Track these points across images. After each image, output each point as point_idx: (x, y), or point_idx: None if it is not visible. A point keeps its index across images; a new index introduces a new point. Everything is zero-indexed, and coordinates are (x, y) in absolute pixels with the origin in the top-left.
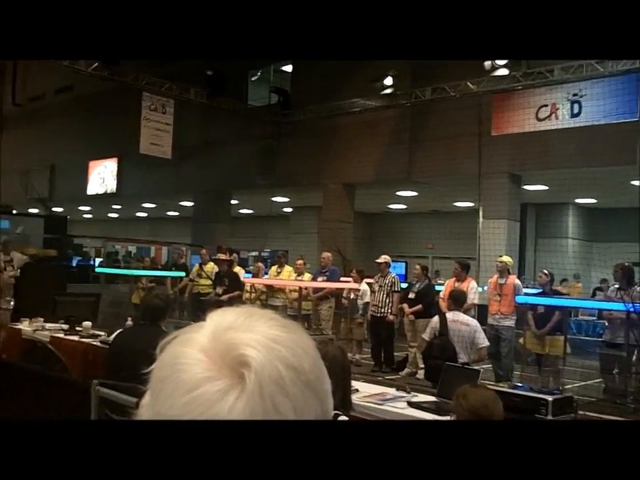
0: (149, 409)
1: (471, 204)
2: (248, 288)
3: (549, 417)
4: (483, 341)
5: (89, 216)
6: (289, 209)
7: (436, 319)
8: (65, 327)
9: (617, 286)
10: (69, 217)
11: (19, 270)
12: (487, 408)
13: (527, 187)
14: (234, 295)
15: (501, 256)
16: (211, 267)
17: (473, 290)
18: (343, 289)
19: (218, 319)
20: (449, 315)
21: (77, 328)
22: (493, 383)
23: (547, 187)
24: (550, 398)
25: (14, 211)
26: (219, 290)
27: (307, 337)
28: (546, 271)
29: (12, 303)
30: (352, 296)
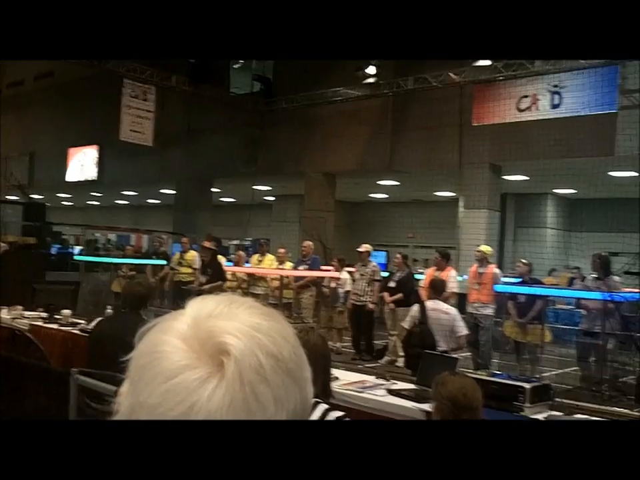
0: (128, 397)
1: (451, 194)
2: (229, 276)
3: (527, 404)
4: (462, 330)
5: (69, 203)
6: (271, 198)
7: (416, 307)
8: (44, 315)
9: (594, 275)
10: (48, 204)
11: None
12: (465, 396)
13: (507, 177)
14: (215, 285)
15: (479, 245)
16: (192, 256)
17: (452, 279)
18: (323, 278)
19: (198, 306)
20: (429, 304)
21: (56, 316)
22: (471, 371)
23: (526, 177)
24: (527, 385)
25: None
26: (202, 279)
27: (287, 325)
28: (524, 260)
29: None
30: (333, 285)
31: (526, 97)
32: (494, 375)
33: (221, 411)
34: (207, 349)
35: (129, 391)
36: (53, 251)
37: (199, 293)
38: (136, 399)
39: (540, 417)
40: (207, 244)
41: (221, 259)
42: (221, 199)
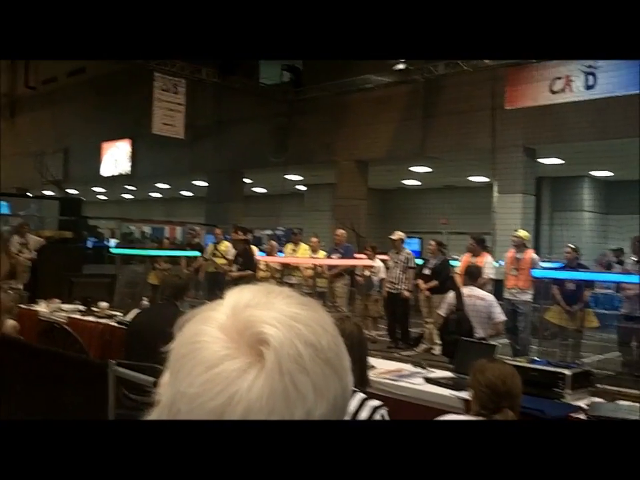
0: (168, 387)
1: (485, 179)
2: (262, 267)
3: (568, 391)
4: (500, 316)
5: (104, 197)
6: (303, 187)
7: (452, 294)
8: (82, 307)
9: (634, 258)
10: (83, 198)
11: (35, 252)
12: (504, 383)
13: (541, 161)
14: (246, 274)
15: (516, 230)
16: (225, 246)
17: (488, 265)
18: (356, 266)
19: (236, 296)
20: (465, 290)
21: (94, 309)
22: (510, 358)
23: (562, 160)
24: (568, 372)
25: (29, 194)
26: (234, 269)
27: (325, 314)
28: (572, 245)
29: (20, 286)
30: (367, 273)
31: (559, 78)
32: (533, 362)
33: (260, 400)
34: (246, 339)
35: (169, 382)
36: (89, 244)
37: (232, 282)
38: (176, 389)
39: (581, 403)
40: (236, 235)
41: (254, 249)
42: (253, 189)
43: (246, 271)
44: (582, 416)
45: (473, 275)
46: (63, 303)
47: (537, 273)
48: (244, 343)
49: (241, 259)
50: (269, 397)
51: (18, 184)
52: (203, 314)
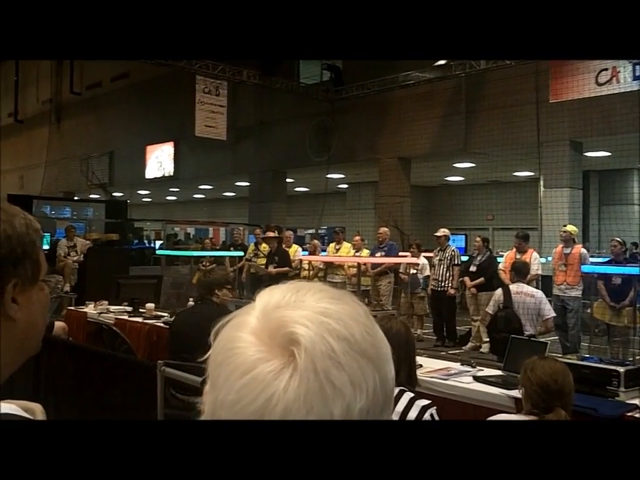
0: (209, 396)
1: (530, 173)
2: (305, 266)
3: (622, 389)
4: (549, 312)
5: (148, 199)
6: (345, 186)
7: (499, 291)
8: (129, 309)
9: None
10: (129, 201)
11: (82, 255)
12: (556, 381)
13: (588, 154)
14: (282, 271)
15: (565, 225)
16: (266, 246)
17: (535, 261)
18: (400, 264)
19: (266, 298)
20: (513, 287)
21: (141, 310)
22: (560, 355)
23: (609, 153)
24: (621, 369)
25: (76, 198)
26: (270, 267)
27: (357, 305)
28: (619, 239)
29: (67, 287)
30: (412, 271)
31: (605, 70)
32: (584, 359)
33: (298, 400)
34: (278, 341)
35: (209, 390)
36: (135, 246)
37: (270, 280)
38: (215, 396)
39: (636, 401)
40: (270, 234)
41: (296, 247)
42: (295, 189)
43: (284, 267)
44: (638, 414)
45: (520, 271)
46: (110, 304)
47: (586, 268)
48: (276, 344)
49: (277, 257)
50: (305, 396)
51: (65, 188)
52: (236, 319)
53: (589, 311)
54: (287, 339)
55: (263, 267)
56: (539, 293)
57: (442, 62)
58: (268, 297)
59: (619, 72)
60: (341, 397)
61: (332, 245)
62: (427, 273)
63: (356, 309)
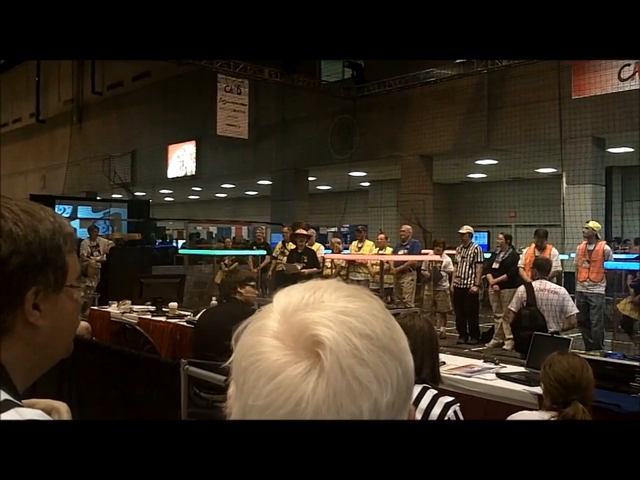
0: (236, 401)
1: (553, 170)
2: (328, 264)
3: None
4: (573, 309)
5: (170, 199)
6: (367, 183)
7: (522, 288)
8: (152, 308)
9: None
10: (151, 200)
11: (105, 255)
12: (574, 377)
13: (611, 150)
14: (313, 271)
15: (588, 222)
16: (293, 245)
17: (555, 257)
18: (422, 262)
19: (284, 299)
20: (536, 284)
21: (164, 309)
22: (583, 352)
23: (632, 149)
24: None
25: (98, 197)
26: (299, 266)
27: (374, 300)
28: None
29: (93, 283)
30: (436, 266)
31: (628, 65)
32: (607, 355)
33: (327, 400)
34: (302, 344)
35: (235, 395)
36: (158, 246)
37: (297, 278)
38: (244, 402)
39: None
40: (302, 231)
41: (318, 245)
42: (317, 187)
43: (313, 267)
44: None
45: (543, 267)
46: (133, 303)
47: (609, 264)
48: (300, 347)
49: (305, 256)
50: (334, 396)
51: (87, 188)
52: (256, 323)
53: (611, 307)
54: (311, 341)
55: (295, 265)
56: (562, 290)
57: (463, 59)
58: (286, 298)
59: None
60: (368, 393)
61: (354, 243)
62: (451, 269)
63: (373, 304)
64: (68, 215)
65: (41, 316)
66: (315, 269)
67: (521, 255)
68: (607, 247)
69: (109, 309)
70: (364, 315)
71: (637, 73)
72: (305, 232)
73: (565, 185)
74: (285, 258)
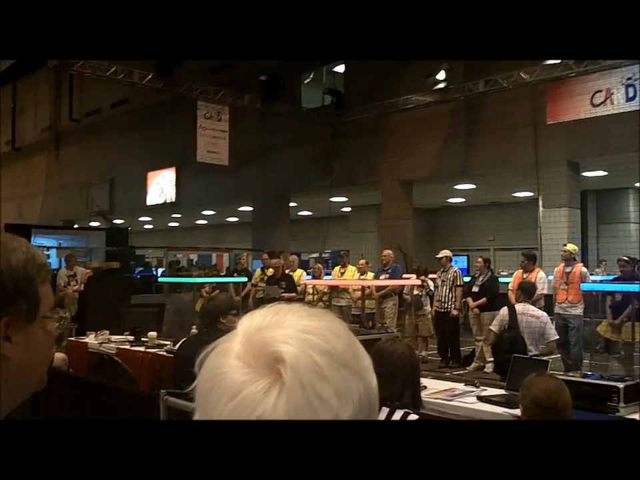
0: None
1: (530, 194)
2: (310, 290)
3: (621, 405)
4: (553, 335)
5: (150, 226)
6: (348, 209)
7: (504, 310)
8: (131, 338)
9: None
10: (130, 228)
11: (82, 284)
12: (550, 398)
13: (585, 174)
14: (292, 296)
15: (565, 244)
16: (272, 272)
17: (541, 280)
18: (404, 286)
19: (247, 322)
20: (518, 307)
21: (143, 339)
22: (562, 373)
23: (606, 173)
24: (621, 385)
25: (76, 226)
26: (279, 292)
27: (337, 320)
28: (627, 257)
29: (67, 314)
30: (415, 292)
31: (599, 91)
32: (585, 376)
33: (288, 416)
34: (263, 361)
35: (200, 418)
36: (137, 274)
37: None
38: None
39: (636, 416)
40: (276, 261)
41: (300, 272)
42: (299, 213)
43: (291, 292)
44: None
45: (527, 291)
46: (111, 333)
47: (585, 286)
48: (261, 365)
49: (284, 282)
50: (294, 411)
51: (65, 216)
52: (219, 347)
53: (588, 328)
54: (272, 358)
55: (276, 287)
56: (543, 314)
57: (441, 85)
58: (249, 321)
59: (613, 93)
60: (329, 408)
61: (337, 268)
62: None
63: (335, 324)
64: (53, 245)
65: (12, 347)
66: (293, 294)
67: (501, 279)
68: (584, 269)
69: (86, 340)
70: (325, 333)
71: (608, 99)
72: (277, 261)
73: (541, 208)
74: (265, 284)
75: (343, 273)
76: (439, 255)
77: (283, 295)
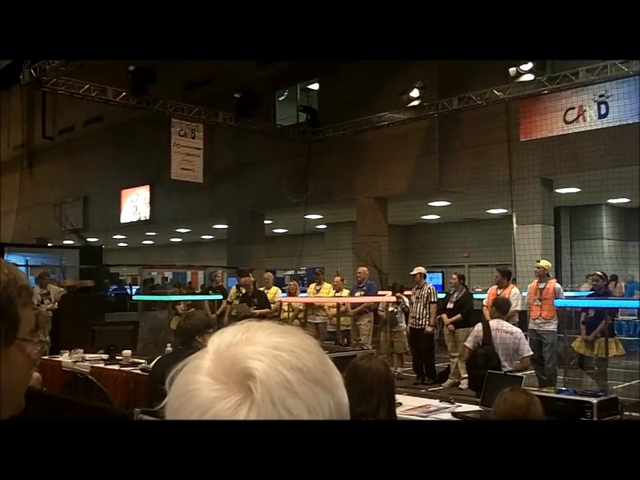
0: None
1: (504, 210)
2: (285, 307)
3: (595, 419)
4: (527, 351)
5: (124, 244)
6: (323, 226)
7: (479, 327)
8: (105, 356)
9: None
10: (104, 246)
11: (56, 303)
12: (519, 413)
13: (559, 191)
14: (265, 312)
15: (538, 261)
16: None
17: (515, 296)
18: (379, 303)
19: (217, 340)
20: (493, 323)
21: (117, 357)
22: (536, 389)
23: (579, 189)
24: (594, 400)
25: (49, 244)
26: (251, 308)
27: (307, 338)
28: (600, 273)
29: (47, 337)
30: (391, 308)
31: (572, 108)
32: (560, 392)
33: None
34: (233, 378)
35: None
36: (111, 292)
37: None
38: None
39: None
40: (245, 280)
41: (275, 289)
42: (274, 230)
43: (264, 308)
44: None
45: (501, 307)
46: (86, 352)
47: (558, 302)
48: (232, 381)
49: (255, 299)
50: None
51: (38, 234)
52: (190, 364)
53: (562, 343)
54: (242, 375)
55: (246, 305)
56: (518, 330)
57: (415, 103)
58: (219, 338)
59: (585, 110)
60: None
61: (312, 285)
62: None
63: (306, 341)
64: (22, 264)
65: None
66: (266, 310)
67: (475, 295)
68: (558, 285)
69: (60, 359)
70: (296, 349)
71: (581, 116)
72: (247, 280)
73: (515, 225)
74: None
75: (318, 290)
76: (413, 272)
77: (255, 311)
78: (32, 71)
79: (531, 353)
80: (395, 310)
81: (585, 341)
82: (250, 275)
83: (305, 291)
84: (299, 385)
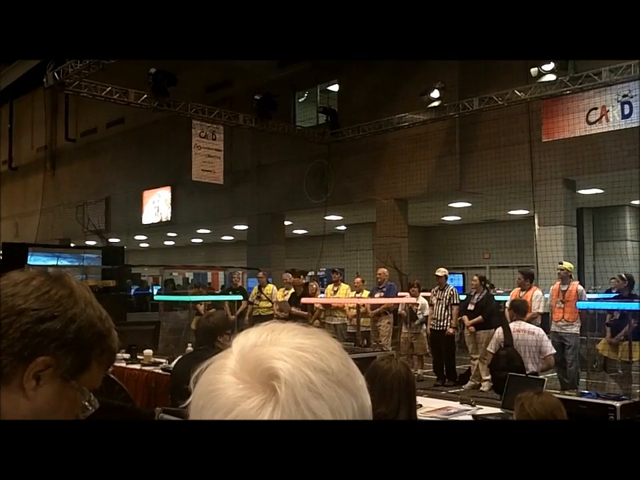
0: None
1: (525, 212)
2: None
3: None
4: (550, 349)
5: (146, 245)
6: (343, 227)
7: (500, 330)
8: (127, 356)
9: None
10: (125, 247)
11: None
12: (554, 417)
13: (581, 192)
14: (302, 314)
15: (561, 263)
16: (270, 289)
17: (537, 298)
18: (399, 304)
19: (242, 340)
20: (513, 325)
21: (139, 357)
22: (559, 392)
23: (602, 190)
24: (617, 404)
25: (72, 244)
26: (295, 310)
27: (331, 340)
28: (622, 274)
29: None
30: (412, 307)
31: (595, 109)
32: (582, 395)
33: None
34: (257, 377)
35: None
36: (133, 292)
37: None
38: None
39: None
40: (297, 280)
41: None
42: (294, 231)
43: (305, 312)
44: None
45: (519, 309)
46: None
47: (581, 304)
48: (256, 381)
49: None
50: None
51: (61, 235)
52: (215, 363)
53: (585, 347)
54: (267, 375)
55: (269, 311)
56: (539, 330)
57: (435, 103)
58: (244, 339)
59: (608, 111)
60: None
61: (330, 286)
62: (427, 312)
63: (330, 343)
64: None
65: (35, 387)
66: (306, 313)
67: (497, 297)
68: (581, 287)
69: None
70: (320, 351)
71: (604, 117)
72: (298, 280)
73: (537, 226)
74: (262, 302)
75: (335, 291)
76: (438, 273)
77: (293, 310)
78: (55, 74)
79: (554, 351)
80: (415, 310)
81: (609, 344)
82: (302, 276)
83: (323, 292)
84: (322, 387)
